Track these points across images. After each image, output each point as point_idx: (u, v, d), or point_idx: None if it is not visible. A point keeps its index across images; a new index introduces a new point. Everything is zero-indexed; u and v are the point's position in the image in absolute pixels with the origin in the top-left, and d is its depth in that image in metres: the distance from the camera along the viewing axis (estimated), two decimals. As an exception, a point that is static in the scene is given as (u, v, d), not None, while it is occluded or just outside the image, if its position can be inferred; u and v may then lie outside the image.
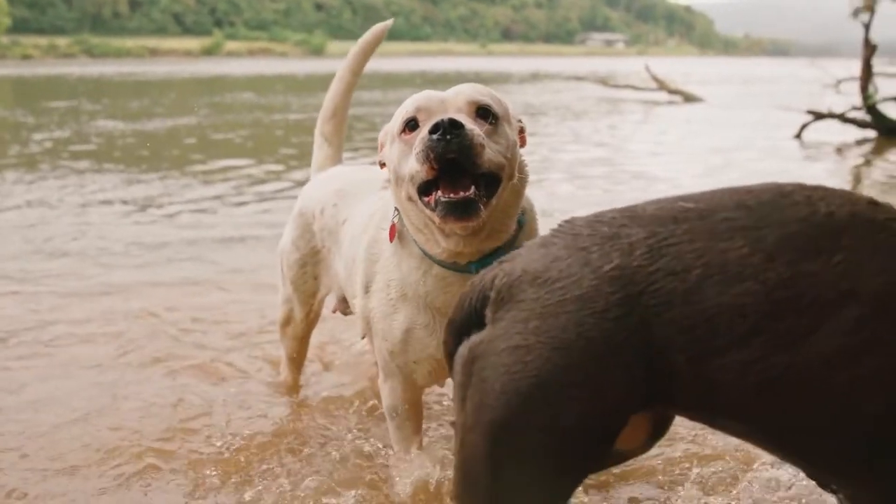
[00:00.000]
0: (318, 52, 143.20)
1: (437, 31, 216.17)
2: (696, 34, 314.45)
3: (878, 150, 14.37)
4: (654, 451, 2.38)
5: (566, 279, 1.78)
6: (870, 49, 15.48)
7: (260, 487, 3.12)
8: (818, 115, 15.58)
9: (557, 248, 1.86)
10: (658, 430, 2.09)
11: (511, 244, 2.68)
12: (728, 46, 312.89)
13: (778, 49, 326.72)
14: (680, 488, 3.04)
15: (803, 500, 2.88)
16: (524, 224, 2.75)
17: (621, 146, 15.05)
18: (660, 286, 1.72)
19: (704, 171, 11.50)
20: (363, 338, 3.57)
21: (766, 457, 3.11)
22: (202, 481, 3.19)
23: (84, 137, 15.70)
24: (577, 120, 20.18)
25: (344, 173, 3.58)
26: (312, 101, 25.52)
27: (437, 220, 2.50)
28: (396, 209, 2.76)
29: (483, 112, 2.57)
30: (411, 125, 2.60)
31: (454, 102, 2.58)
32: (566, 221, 1.93)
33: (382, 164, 2.77)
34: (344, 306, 3.48)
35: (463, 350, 1.93)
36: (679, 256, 1.73)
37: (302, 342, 3.90)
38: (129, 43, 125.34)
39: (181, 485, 3.18)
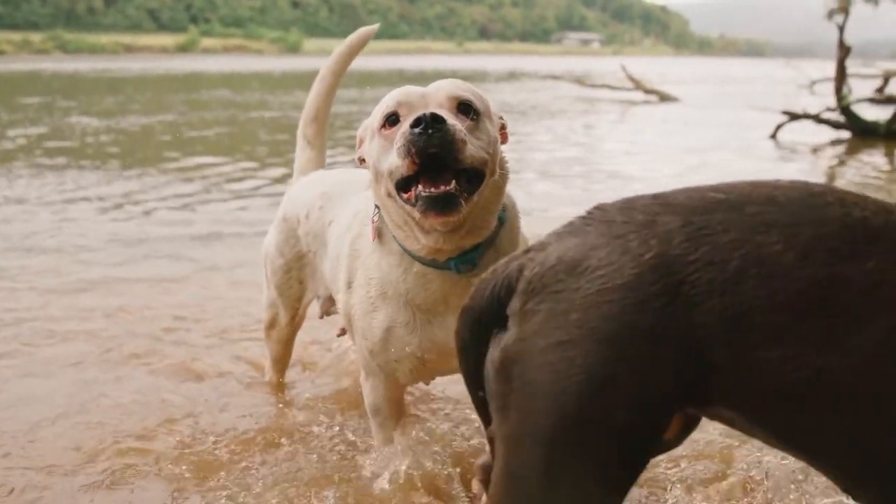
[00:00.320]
0: (294, 49, 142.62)
1: (414, 30, 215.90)
2: (671, 34, 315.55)
3: (852, 150, 14.52)
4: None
5: (606, 267, 1.71)
6: (844, 50, 15.61)
7: (241, 485, 3.12)
8: (793, 116, 15.69)
9: (592, 236, 1.78)
10: (690, 423, 2.03)
11: (492, 241, 2.68)
12: (703, 46, 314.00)
13: (753, 49, 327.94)
14: (665, 490, 3.05)
15: (788, 498, 2.91)
16: (505, 221, 2.74)
17: (597, 145, 15.11)
18: (700, 275, 1.66)
19: (680, 171, 11.57)
20: (339, 335, 3.59)
21: (749, 458, 3.15)
22: (183, 480, 3.18)
23: (60, 134, 15.60)
24: (553, 119, 20.22)
25: (328, 176, 3.57)
26: (289, 99, 25.50)
27: (417, 215, 2.49)
28: (377, 207, 2.75)
29: (464, 108, 2.56)
30: (392, 120, 2.58)
31: (435, 97, 2.57)
32: (595, 208, 1.86)
33: (362, 161, 2.76)
34: (328, 306, 3.48)
35: (494, 355, 1.82)
36: (716, 246, 1.68)
37: (287, 345, 3.90)
38: (104, 39, 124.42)
39: (162, 483, 3.17)
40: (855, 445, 1.66)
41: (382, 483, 3.01)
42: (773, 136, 15.51)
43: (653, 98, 26.78)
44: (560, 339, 1.69)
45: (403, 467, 3.02)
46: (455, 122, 2.44)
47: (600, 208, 1.85)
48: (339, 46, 3.80)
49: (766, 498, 2.94)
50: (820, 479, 2.87)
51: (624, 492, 1.76)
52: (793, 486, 2.90)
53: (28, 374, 4.25)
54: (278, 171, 11.11)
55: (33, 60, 75.62)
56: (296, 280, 3.58)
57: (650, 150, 14.38)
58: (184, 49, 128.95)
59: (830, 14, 16.56)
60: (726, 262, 1.66)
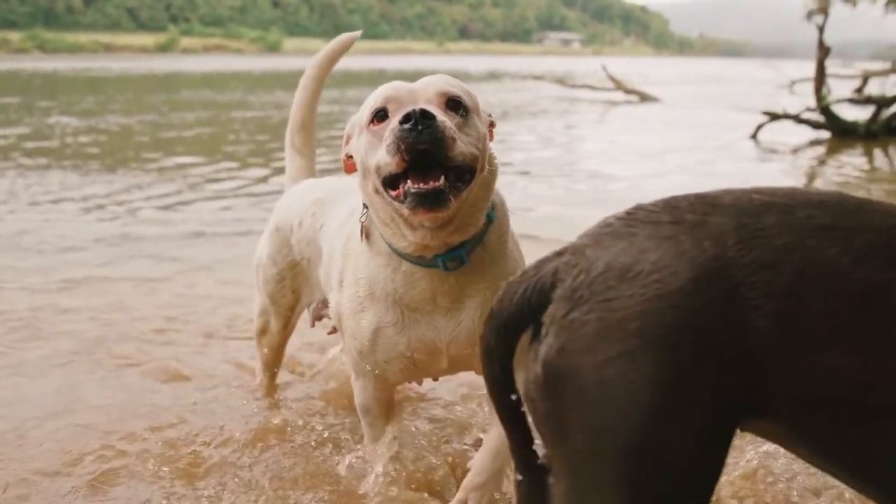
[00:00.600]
0: (274, 49, 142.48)
1: (395, 29, 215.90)
2: (651, 34, 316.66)
3: (832, 150, 14.64)
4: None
5: (661, 271, 1.63)
6: (823, 51, 15.73)
7: (228, 486, 3.13)
8: (773, 116, 15.80)
9: (640, 238, 1.69)
10: None
11: (479, 239, 2.68)
12: (683, 46, 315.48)
13: (732, 50, 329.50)
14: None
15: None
16: (494, 220, 2.73)
17: (579, 145, 15.18)
18: (757, 279, 1.60)
19: (661, 171, 11.63)
20: (329, 333, 3.59)
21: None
22: (171, 480, 3.18)
23: (40, 134, 15.52)
24: (535, 119, 20.27)
25: (321, 184, 3.55)
26: (270, 99, 25.47)
27: (405, 211, 2.46)
28: (365, 206, 2.73)
29: (454, 104, 2.54)
30: (380, 115, 2.54)
31: (424, 93, 2.55)
32: (636, 208, 1.78)
33: (349, 157, 2.73)
34: (319, 310, 3.48)
35: (536, 371, 1.72)
36: (771, 249, 1.62)
37: (278, 351, 3.87)
38: (83, 38, 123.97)
39: (149, 484, 3.17)
40: None
41: (369, 482, 3.01)
42: (754, 137, 15.61)
43: (634, 98, 26.88)
44: (620, 350, 1.61)
45: (391, 467, 3.02)
46: (445, 119, 2.42)
47: (641, 209, 1.78)
48: (319, 54, 3.78)
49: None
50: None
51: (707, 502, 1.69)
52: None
53: (16, 373, 4.23)
54: (260, 172, 11.13)
55: (12, 60, 75.20)
56: (289, 289, 3.57)
57: (631, 150, 14.41)
58: (163, 48, 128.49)
59: (809, 15, 16.66)
60: (782, 264, 1.61)
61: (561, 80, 33.46)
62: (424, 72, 2.69)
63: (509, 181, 10.21)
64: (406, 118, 2.37)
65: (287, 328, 3.73)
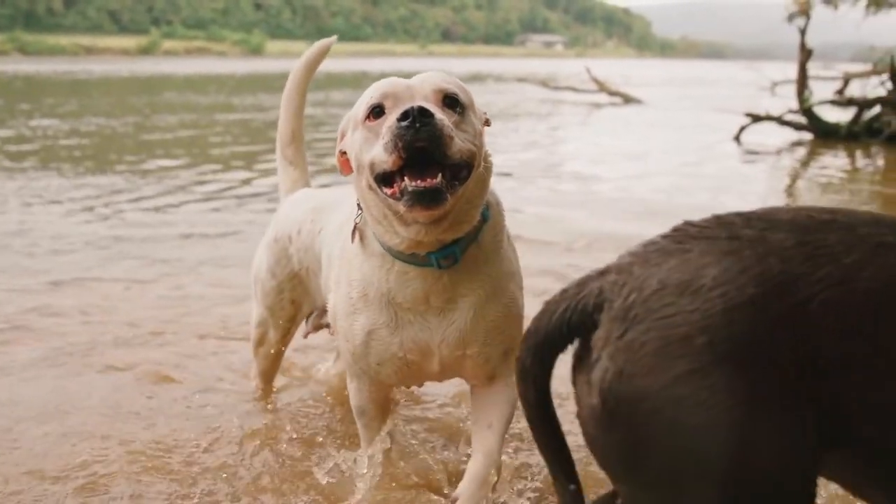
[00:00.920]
0: (256, 51, 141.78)
1: (378, 32, 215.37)
2: (634, 36, 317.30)
3: (814, 151, 14.73)
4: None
5: (725, 286, 1.56)
6: (805, 53, 15.83)
7: (221, 489, 3.14)
8: (756, 118, 15.85)
9: (695, 254, 1.63)
10: None
11: (474, 237, 2.67)
12: (665, 48, 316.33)
13: (714, 51, 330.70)
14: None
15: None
16: (489, 219, 2.74)
17: (563, 147, 15.21)
18: (828, 295, 1.55)
19: (645, 172, 11.67)
20: (331, 333, 3.61)
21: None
22: (164, 483, 3.19)
23: (23, 137, 15.45)
24: (519, 121, 20.31)
25: (317, 193, 3.56)
26: (252, 102, 25.41)
27: (402, 208, 2.43)
28: (359, 207, 2.70)
29: (450, 101, 2.53)
30: (376, 112, 2.51)
31: (421, 90, 2.52)
32: (686, 224, 1.74)
33: (343, 154, 2.70)
34: (319, 319, 3.48)
35: (592, 402, 1.65)
36: (841, 266, 1.57)
37: (275, 360, 3.87)
38: (64, 41, 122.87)
39: (140, 486, 3.17)
40: None
41: (364, 483, 3.02)
42: (737, 138, 15.68)
43: (617, 100, 26.97)
44: (688, 367, 1.53)
45: (384, 469, 3.03)
46: (443, 117, 2.40)
47: (692, 225, 1.73)
48: (297, 64, 3.79)
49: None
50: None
51: None
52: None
53: (7, 375, 4.23)
54: (244, 174, 11.15)
55: (-8, 62, 74.74)
56: (288, 301, 3.56)
57: (615, 151, 14.47)
58: (145, 51, 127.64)
59: (791, 17, 16.77)
60: (853, 282, 1.56)
61: (544, 82, 33.55)
62: (408, 74, 2.70)
63: (495, 181, 10.20)
64: (404, 116, 2.35)
65: (285, 339, 3.73)
